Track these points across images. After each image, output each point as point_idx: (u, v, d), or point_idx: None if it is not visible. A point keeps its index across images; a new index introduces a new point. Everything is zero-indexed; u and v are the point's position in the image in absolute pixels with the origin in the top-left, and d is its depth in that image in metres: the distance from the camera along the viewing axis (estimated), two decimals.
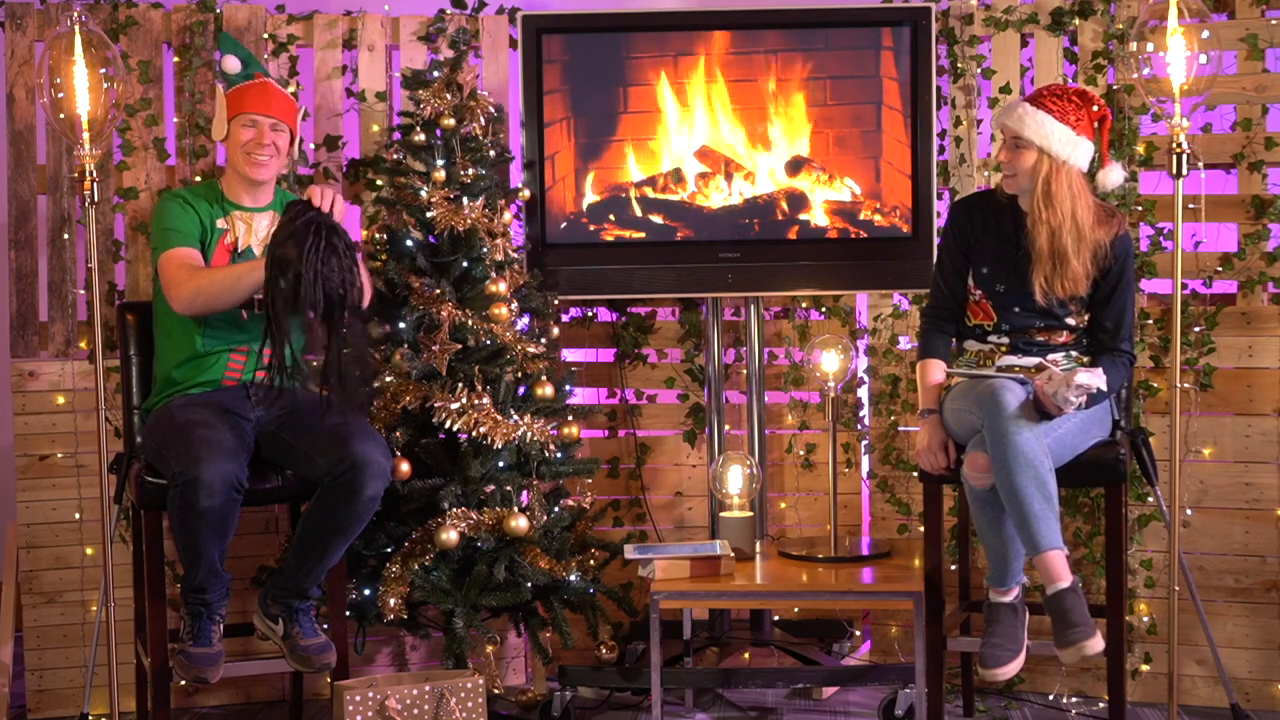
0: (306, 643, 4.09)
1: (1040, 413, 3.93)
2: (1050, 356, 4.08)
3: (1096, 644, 3.88)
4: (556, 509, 4.52)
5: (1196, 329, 4.55)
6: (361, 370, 4.04)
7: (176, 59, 4.71)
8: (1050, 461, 3.91)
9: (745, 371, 4.79)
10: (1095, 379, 3.94)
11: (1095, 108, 4.07)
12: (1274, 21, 4.49)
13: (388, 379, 4.40)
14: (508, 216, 4.56)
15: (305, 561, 4.06)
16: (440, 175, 4.49)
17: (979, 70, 4.71)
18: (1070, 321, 4.14)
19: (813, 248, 4.66)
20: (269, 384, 4.06)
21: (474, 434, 4.34)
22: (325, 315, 3.92)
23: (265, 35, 4.71)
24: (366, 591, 4.39)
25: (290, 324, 3.94)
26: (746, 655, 4.70)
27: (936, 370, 4.22)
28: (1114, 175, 4.16)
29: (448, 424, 4.34)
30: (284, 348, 3.98)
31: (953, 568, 4.61)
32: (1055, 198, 4.03)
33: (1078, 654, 3.88)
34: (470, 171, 4.50)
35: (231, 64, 4.32)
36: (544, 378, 4.49)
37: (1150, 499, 4.53)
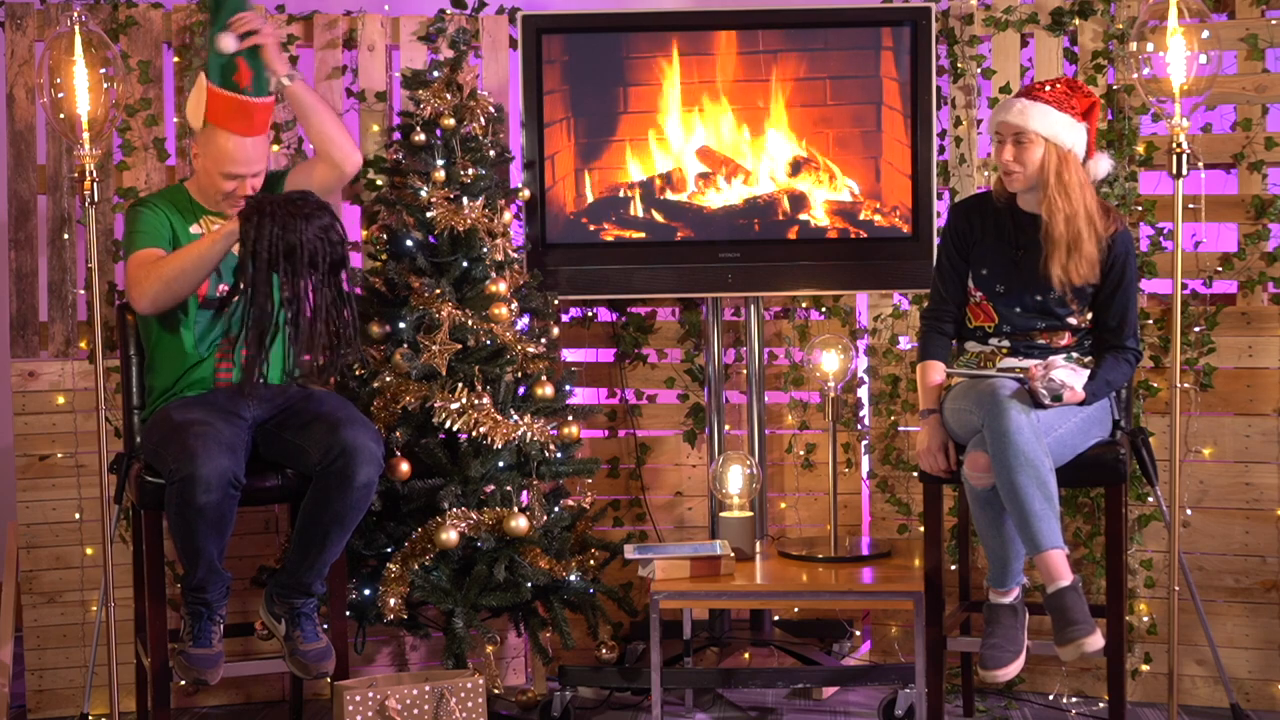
0: (307, 648, 4.08)
1: (1035, 402, 3.95)
2: (1052, 359, 4.08)
3: (1096, 641, 3.88)
4: (556, 509, 4.52)
5: (1196, 329, 4.54)
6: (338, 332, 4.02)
7: (176, 59, 4.71)
8: (1050, 461, 3.91)
9: (745, 371, 4.79)
10: (1070, 379, 3.97)
11: (1084, 94, 4.10)
12: (1274, 21, 4.49)
13: (387, 379, 4.40)
14: (508, 216, 4.55)
15: (306, 556, 4.06)
16: (440, 175, 4.49)
17: (979, 70, 4.71)
18: (1072, 321, 4.13)
19: (813, 248, 4.66)
20: (248, 379, 4.00)
21: (474, 434, 4.34)
22: (312, 263, 3.92)
23: None
24: (366, 591, 4.39)
25: (272, 280, 3.92)
26: (746, 655, 4.70)
27: (936, 371, 4.22)
28: (1102, 164, 4.18)
29: (448, 424, 4.33)
30: (264, 317, 3.95)
31: (953, 568, 4.61)
32: (1069, 186, 4.05)
33: (1077, 651, 3.88)
34: (470, 171, 4.50)
35: (228, 43, 4.14)
36: (544, 378, 4.48)
37: (1150, 499, 4.53)
